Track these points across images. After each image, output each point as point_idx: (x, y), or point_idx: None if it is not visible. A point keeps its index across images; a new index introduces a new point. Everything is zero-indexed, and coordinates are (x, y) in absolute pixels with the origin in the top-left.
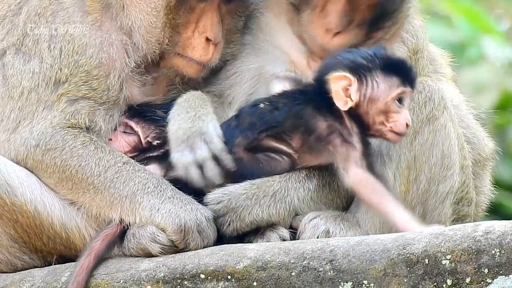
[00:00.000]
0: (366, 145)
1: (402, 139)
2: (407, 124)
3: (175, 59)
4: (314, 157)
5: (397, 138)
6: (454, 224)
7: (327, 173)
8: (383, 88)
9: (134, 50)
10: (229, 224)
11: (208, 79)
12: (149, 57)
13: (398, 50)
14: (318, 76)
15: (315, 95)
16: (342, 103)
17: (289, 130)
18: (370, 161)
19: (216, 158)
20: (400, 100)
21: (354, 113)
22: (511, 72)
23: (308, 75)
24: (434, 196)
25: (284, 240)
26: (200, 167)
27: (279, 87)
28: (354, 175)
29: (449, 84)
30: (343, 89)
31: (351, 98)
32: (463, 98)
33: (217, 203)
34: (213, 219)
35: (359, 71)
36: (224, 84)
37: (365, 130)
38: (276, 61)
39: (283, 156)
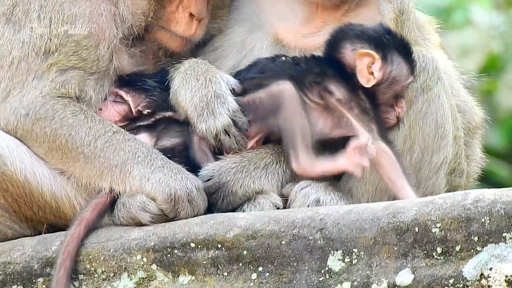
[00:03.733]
0: (379, 115)
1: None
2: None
3: (159, 32)
4: (325, 120)
5: (394, 123)
6: None
7: (321, 146)
8: (405, 70)
9: (121, 21)
10: (223, 200)
11: (195, 52)
12: (135, 29)
13: (386, 8)
14: (331, 46)
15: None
16: (365, 80)
17: (310, 84)
18: (382, 131)
19: (233, 121)
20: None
21: (369, 89)
22: (497, 35)
23: (293, 43)
24: (428, 166)
25: (277, 207)
26: (226, 132)
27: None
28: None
29: (437, 51)
30: (367, 66)
31: (374, 76)
32: (452, 64)
33: (208, 180)
34: (203, 188)
35: (384, 49)
36: (210, 56)
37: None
38: (259, 32)
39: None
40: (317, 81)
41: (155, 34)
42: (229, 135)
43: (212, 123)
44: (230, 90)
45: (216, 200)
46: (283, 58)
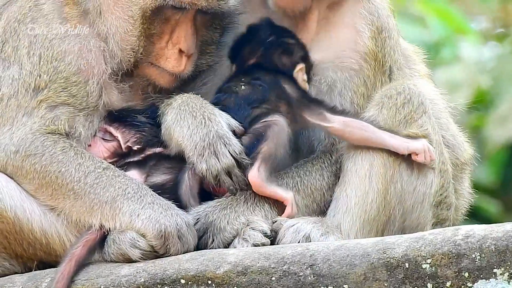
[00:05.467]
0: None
1: None
2: None
3: (148, 68)
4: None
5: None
6: (434, 228)
7: (299, 180)
8: None
9: (110, 57)
10: (213, 240)
11: (184, 87)
12: (124, 64)
13: (361, 25)
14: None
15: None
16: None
17: (277, 101)
18: (336, 109)
19: (237, 162)
20: None
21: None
22: (485, 70)
23: None
24: (411, 196)
25: (265, 234)
26: (228, 173)
27: None
28: (337, 120)
29: (423, 80)
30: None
31: (304, 79)
32: (440, 95)
33: (196, 223)
34: (193, 225)
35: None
36: (201, 90)
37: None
38: None
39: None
40: (280, 95)
41: (144, 69)
42: (230, 176)
43: (214, 163)
44: (232, 131)
45: (207, 242)
46: (242, 86)
